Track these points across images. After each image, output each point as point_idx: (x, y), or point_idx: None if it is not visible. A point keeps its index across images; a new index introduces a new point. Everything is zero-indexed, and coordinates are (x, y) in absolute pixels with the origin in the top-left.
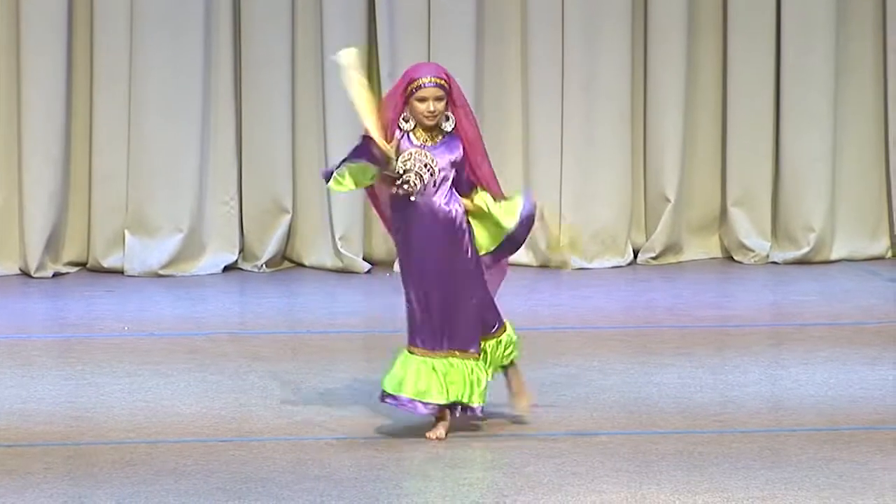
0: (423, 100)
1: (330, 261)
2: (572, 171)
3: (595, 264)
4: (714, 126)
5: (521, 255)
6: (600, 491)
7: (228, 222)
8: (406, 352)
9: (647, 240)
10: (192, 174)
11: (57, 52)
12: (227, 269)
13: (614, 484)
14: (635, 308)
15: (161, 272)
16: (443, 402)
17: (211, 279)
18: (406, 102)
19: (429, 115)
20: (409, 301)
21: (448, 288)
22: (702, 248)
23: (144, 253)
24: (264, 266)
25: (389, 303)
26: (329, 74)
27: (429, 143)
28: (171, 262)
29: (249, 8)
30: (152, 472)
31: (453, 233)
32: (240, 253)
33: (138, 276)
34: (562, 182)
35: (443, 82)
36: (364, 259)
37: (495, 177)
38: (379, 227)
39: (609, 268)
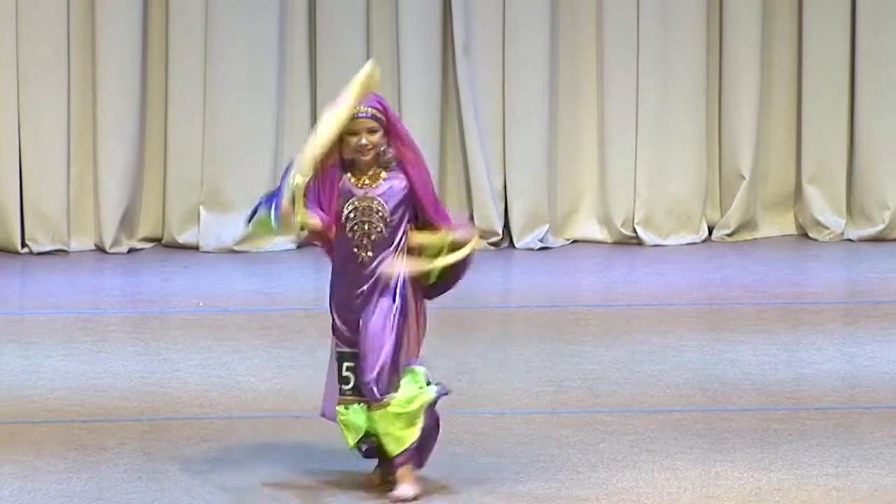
0: (354, 133)
1: None
2: (647, 148)
3: (670, 241)
4: (789, 103)
5: (596, 232)
6: (674, 468)
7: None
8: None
9: (721, 217)
10: (267, 150)
11: (132, 29)
12: (301, 245)
13: (688, 461)
14: (710, 285)
15: (235, 248)
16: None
17: (285, 255)
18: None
19: (361, 148)
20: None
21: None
22: (776, 225)
23: (219, 229)
24: None
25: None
26: (404, 47)
27: (370, 186)
28: (246, 239)
29: None
30: (226, 448)
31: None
32: None
33: (213, 252)
34: (636, 159)
35: (377, 113)
36: None
37: (439, 204)
38: (454, 203)
39: (684, 245)
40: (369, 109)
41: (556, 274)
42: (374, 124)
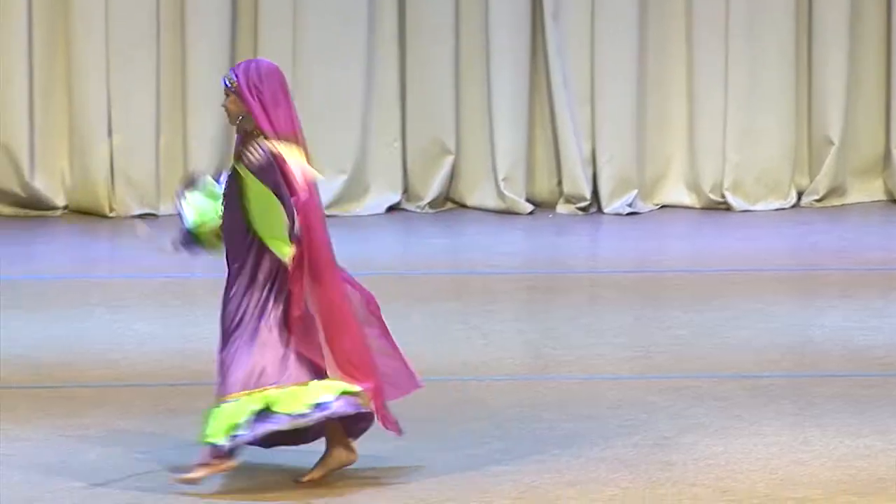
0: None
1: (492, 201)
2: (736, 114)
3: (759, 206)
4: (879, 69)
5: (684, 198)
6: (763, 434)
7: (392, 163)
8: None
9: (810, 182)
10: (355, 116)
11: (222, 2)
12: (390, 209)
13: (777, 426)
14: (799, 250)
15: (325, 212)
16: None
17: (374, 220)
18: None
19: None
20: None
21: None
22: (865, 190)
23: None
24: (427, 207)
25: (551, 243)
26: (493, 14)
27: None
28: (335, 203)
29: None
30: None
31: None
32: (403, 194)
33: None
34: (726, 123)
35: (231, 81)
36: (527, 200)
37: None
38: (543, 169)
39: (772, 210)
40: (227, 79)
41: (645, 239)
42: (228, 94)
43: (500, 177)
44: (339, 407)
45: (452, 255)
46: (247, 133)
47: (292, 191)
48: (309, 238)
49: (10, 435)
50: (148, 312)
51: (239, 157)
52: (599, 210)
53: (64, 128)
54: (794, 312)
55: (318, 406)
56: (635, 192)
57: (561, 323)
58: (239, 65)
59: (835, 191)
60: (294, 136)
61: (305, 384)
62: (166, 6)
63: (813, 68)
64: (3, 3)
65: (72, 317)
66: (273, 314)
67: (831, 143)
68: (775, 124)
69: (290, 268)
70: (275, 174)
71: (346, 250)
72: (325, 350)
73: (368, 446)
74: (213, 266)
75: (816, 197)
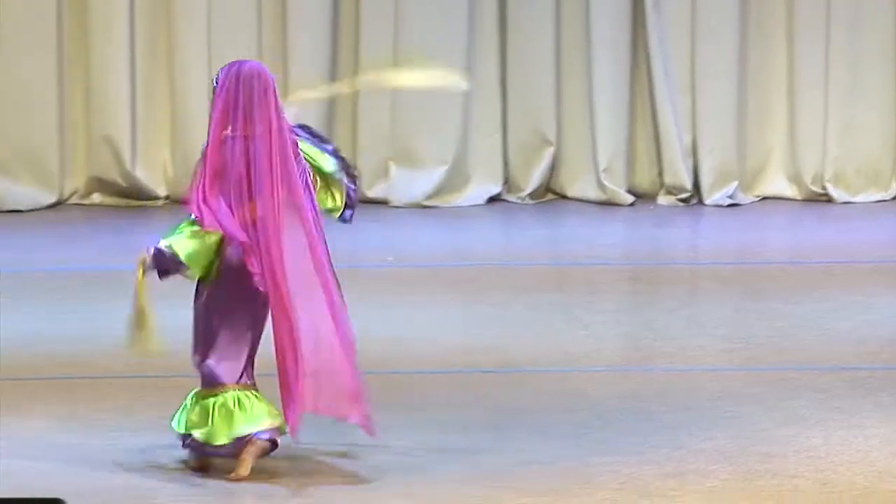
0: None
1: (593, 192)
2: (837, 105)
3: (859, 198)
4: None
5: (785, 189)
6: (862, 426)
7: (493, 154)
8: None
9: None
10: (457, 107)
11: None
12: (491, 200)
13: (877, 419)
14: None
15: (425, 203)
16: None
17: (475, 210)
18: None
19: None
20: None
21: None
22: None
23: (409, 184)
24: (528, 197)
25: (653, 235)
26: (594, 6)
27: None
28: (436, 194)
29: None
30: (417, 402)
31: None
32: (504, 184)
33: (403, 207)
34: (827, 116)
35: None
36: (627, 191)
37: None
38: (644, 160)
39: (873, 202)
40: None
41: (746, 230)
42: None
43: (601, 168)
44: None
45: (553, 246)
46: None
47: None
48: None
49: (111, 424)
50: None
51: None
52: (700, 201)
53: (166, 118)
54: (894, 304)
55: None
56: (736, 183)
57: (661, 314)
58: (227, 64)
59: None
60: (264, 136)
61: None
62: (268, 3)
63: None
64: (109, 7)
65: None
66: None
67: None
68: (877, 117)
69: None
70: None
71: (447, 241)
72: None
73: (468, 437)
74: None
75: None
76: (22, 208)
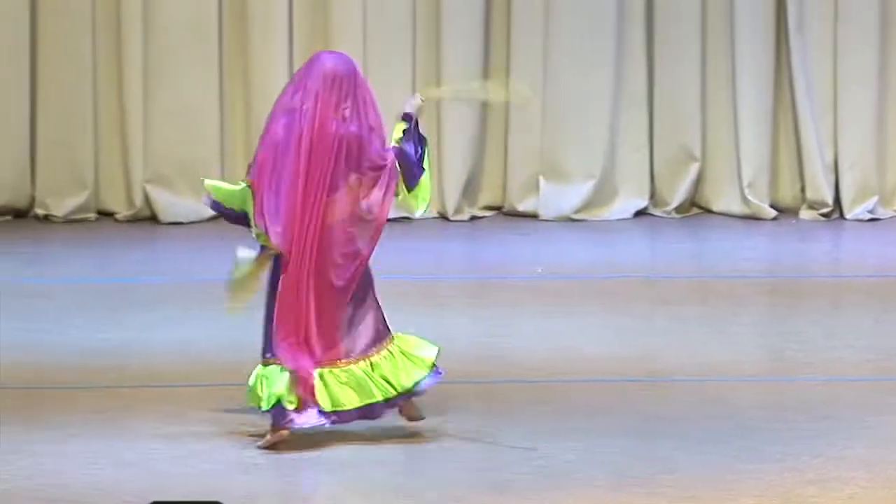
0: None
1: (737, 207)
2: None
3: None
4: None
5: None
6: None
7: (639, 169)
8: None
9: None
10: (604, 123)
11: (475, 7)
12: (637, 214)
13: None
14: None
15: (574, 217)
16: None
17: (622, 224)
18: None
19: None
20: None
21: None
22: None
23: (558, 198)
24: (673, 211)
25: (795, 248)
26: (739, 26)
27: None
28: (584, 207)
29: None
30: (564, 411)
31: None
32: (650, 199)
33: (552, 221)
34: None
35: None
36: (771, 206)
37: None
38: (786, 175)
39: None
40: None
41: (886, 245)
42: None
43: (745, 183)
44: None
45: (697, 260)
46: None
47: None
48: None
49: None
50: (400, 313)
51: None
52: (841, 216)
53: None
54: None
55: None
56: (876, 198)
57: (803, 326)
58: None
59: None
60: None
61: None
62: (421, 16)
63: None
64: (265, 13)
65: None
66: None
67: None
68: None
69: None
70: None
71: (595, 254)
72: None
73: (613, 444)
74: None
75: None
76: (183, 220)
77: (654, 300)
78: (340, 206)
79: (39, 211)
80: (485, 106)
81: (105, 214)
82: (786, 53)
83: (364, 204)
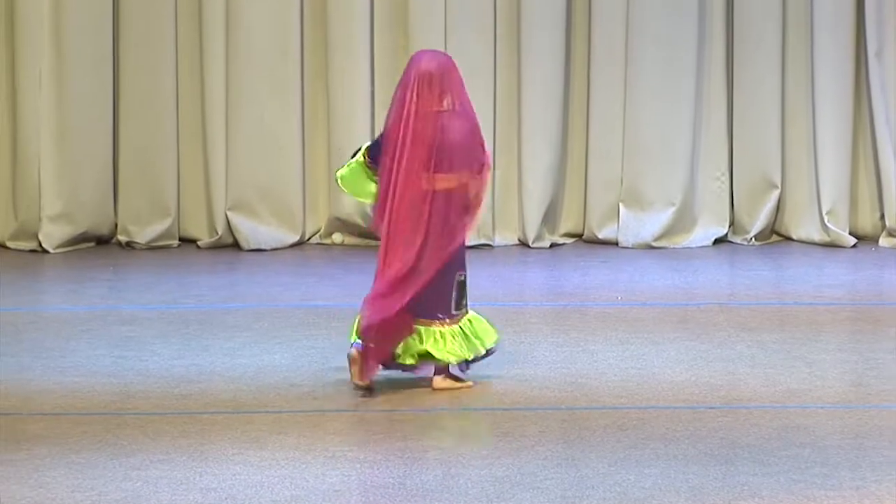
0: None
1: (817, 234)
2: None
3: None
4: None
5: None
6: None
7: (719, 197)
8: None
9: None
10: (684, 150)
11: (556, 35)
12: (717, 241)
13: None
14: None
15: (653, 244)
16: None
17: (701, 251)
18: None
19: None
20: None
21: None
22: None
23: (638, 225)
24: (753, 239)
25: (875, 276)
26: (818, 53)
27: None
28: (664, 235)
29: None
30: (643, 437)
31: None
32: (730, 226)
33: (632, 248)
34: None
35: None
36: (850, 233)
37: None
38: (865, 203)
39: None
40: None
41: None
42: None
43: (825, 210)
44: None
45: (777, 287)
46: None
47: None
48: None
49: (351, 457)
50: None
51: None
52: None
53: None
54: None
55: None
56: None
57: (883, 354)
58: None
59: None
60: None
61: None
62: (502, 45)
63: None
64: (346, 38)
65: None
66: None
67: None
68: None
69: None
70: None
71: (675, 281)
72: None
73: (693, 471)
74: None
75: None
76: (265, 247)
77: (733, 327)
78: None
79: (122, 238)
80: (565, 133)
81: (187, 241)
82: (865, 79)
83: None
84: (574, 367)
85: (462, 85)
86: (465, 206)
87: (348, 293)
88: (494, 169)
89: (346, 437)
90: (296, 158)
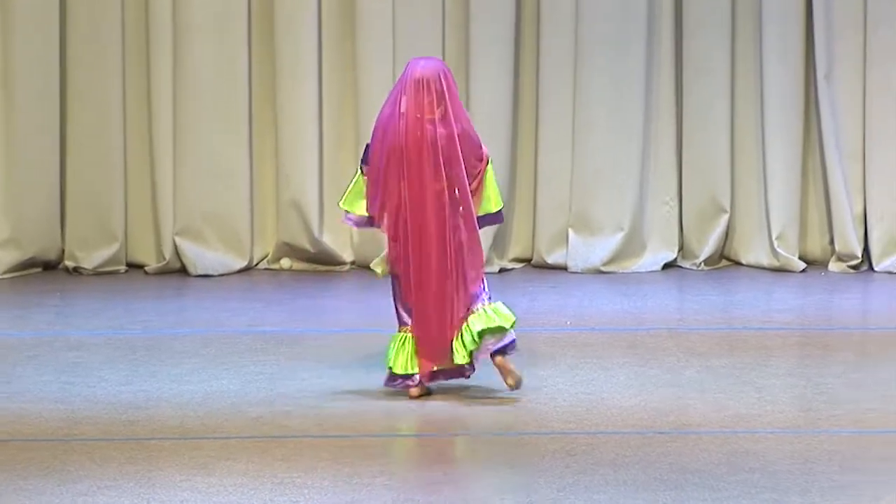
0: None
1: (766, 259)
2: None
3: None
4: None
5: None
6: None
7: (668, 222)
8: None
9: None
10: (633, 175)
11: (504, 59)
12: (666, 266)
13: None
14: None
15: (603, 269)
16: None
17: (651, 276)
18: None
19: None
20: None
21: None
22: None
23: (587, 250)
24: (702, 264)
25: (824, 301)
26: (767, 75)
27: None
28: (613, 260)
29: (690, 12)
30: (592, 463)
31: None
32: (679, 251)
33: (581, 273)
34: None
35: None
36: (799, 258)
37: None
38: (815, 227)
39: None
40: None
41: None
42: None
43: (774, 235)
44: None
45: (726, 312)
46: None
47: None
48: None
49: (299, 483)
50: None
51: None
52: (870, 268)
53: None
54: None
55: None
56: None
57: (833, 378)
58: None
59: None
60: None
61: None
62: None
63: None
64: (294, 62)
65: (356, 368)
66: None
67: None
68: None
69: None
70: None
71: (624, 306)
72: None
73: (643, 497)
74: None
75: None
76: (213, 273)
77: (682, 352)
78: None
79: (69, 263)
80: (514, 158)
81: (135, 267)
82: (814, 102)
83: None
84: (523, 392)
85: (455, 91)
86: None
87: (296, 318)
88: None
89: (294, 464)
90: (243, 183)
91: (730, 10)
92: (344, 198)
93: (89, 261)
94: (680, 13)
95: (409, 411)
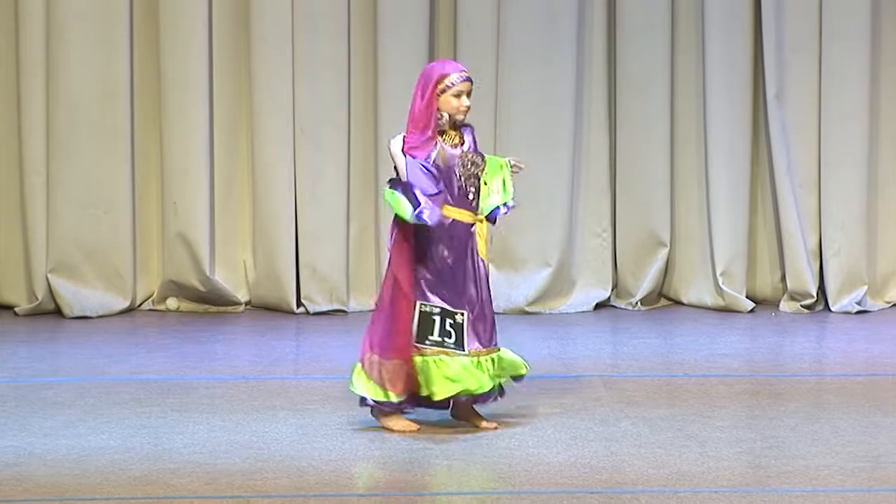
0: (458, 95)
1: (710, 298)
2: None
3: None
4: None
5: None
6: None
7: (600, 256)
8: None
9: None
10: (561, 205)
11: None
12: (598, 306)
13: None
14: None
15: (527, 309)
16: None
17: (581, 317)
18: (436, 100)
19: (465, 109)
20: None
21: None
22: None
23: (509, 288)
24: (639, 304)
25: (775, 344)
26: (711, 96)
27: (461, 143)
28: (539, 299)
29: (624, 28)
30: None
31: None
32: (613, 289)
33: (503, 313)
34: None
35: (470, 76)
36: (747, 297)
37: None
38: (765, 263)
39: None
40: (466, 73)
41: (876, 340)
42: (471, 86)
43: (719, 271)
44: None
45: (666, 357)
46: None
47: None
48: None
49: None
50: (331, 416)
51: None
52: (826, 308)
53: (246, 218)
54: None
55: None
56: (865, 288)
57: (785, 431)
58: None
59: None
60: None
61: None
62: (357, 94)
63: None
64: (185, 97)
65: (254, 421)
66: None
67: None
68: None
69: None
70: None
71: (552, 350)
72: None
73: None
74: None
75: None
76: (91, 314)
77: (616, 402)
78: None
79: None
80: None
81: (4, 308)
82: (764, 124)
83: None
84: (440, 447)
85: (415, 94)
86: None
87: (184, 365)
88: (348, 229)
89: None
90: (125, 214)
91: (669, 18)
92: None
93: None
94: (613, 19)
95: (311, 469)
